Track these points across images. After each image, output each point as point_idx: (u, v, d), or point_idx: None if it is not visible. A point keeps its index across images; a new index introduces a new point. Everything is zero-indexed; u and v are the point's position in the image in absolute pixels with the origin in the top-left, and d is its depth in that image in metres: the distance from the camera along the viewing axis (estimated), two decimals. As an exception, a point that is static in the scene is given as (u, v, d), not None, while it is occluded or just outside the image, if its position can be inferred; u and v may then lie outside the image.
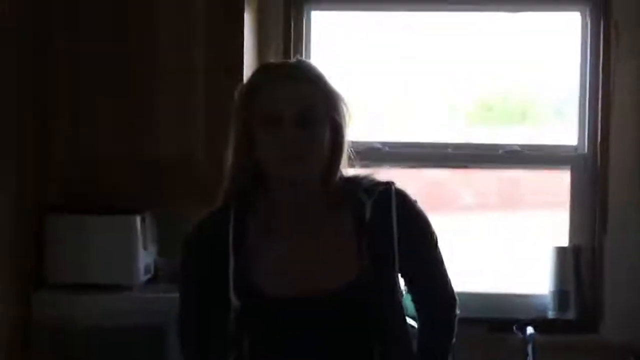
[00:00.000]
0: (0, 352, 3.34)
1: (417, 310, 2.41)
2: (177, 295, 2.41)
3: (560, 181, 4.05)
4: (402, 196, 2.31)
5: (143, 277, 3.66)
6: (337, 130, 2.27)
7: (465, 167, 4.15)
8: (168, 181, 3.60)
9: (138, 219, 3.63)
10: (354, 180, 2.32)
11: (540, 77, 4.15)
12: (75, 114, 3.59)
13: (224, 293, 2.26)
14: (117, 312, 3.52)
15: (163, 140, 3.59)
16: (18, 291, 3.48)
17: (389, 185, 2.31)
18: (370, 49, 4.09)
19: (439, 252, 2.37)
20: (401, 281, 2.36)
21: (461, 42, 4.06)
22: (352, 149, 2.32)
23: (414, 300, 2.41)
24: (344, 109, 2.29)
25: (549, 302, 3.96)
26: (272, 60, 3.53)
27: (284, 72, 2.29)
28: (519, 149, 4.02)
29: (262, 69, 2.37)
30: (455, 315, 2.40)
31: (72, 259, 3.59)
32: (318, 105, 2.23)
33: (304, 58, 3.83)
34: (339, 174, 2.30)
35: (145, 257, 3.68)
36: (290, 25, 3.95)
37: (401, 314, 2.35)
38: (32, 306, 3.53)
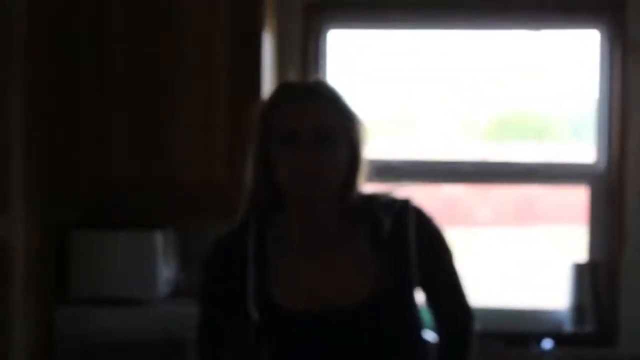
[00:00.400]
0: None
1: (436, 325, 2.42)
2: (197, 309, 2.44)
3: (577, 197, 4.06)
4: (419, 213, 2.33)
5: (164, 292, 3.68)
6: (353, 149, 2.29)
7: (482, 183, 4.16)
8: (189, 198, 3.62)
9: (159, 234, 3.65)
10: (372, 198, 2.35)
11: (558, 94, 4.16)
12: (98, 133, 3.62)
13: (243, 307, 2.28)
14: (138, 327, 3.54)
15: (184, 158, 3.61)
16: (41, 307, 3.50)
17: (406, 202, 2.34)
18: (388, 66, 4.11)
19: (456, 268, 2.38)
20: (419, 296, 2.38)
21: (479, 60, 4.08)
22: (369, 167, 2.34)
23: (432, 315, 2.42)
24: (361, 127, 2.31)
25: (567, 317, 3.97)
26: (291, 78, 3.54)
27: (302, 91, 2.31)
28: (536, 165, 4.04)
29: (280, 88, 2.38)
30: (473, 331, 2.41)
31: (94, 274, 3.62)
32: (335, 124, 2.26)
33: (321, 75, 3.90)
34: (356, 192, 2.33)
35: (166, 272, 3.70)
36: (309, 43, 3.98)
37: (418, 329, 2.36)
38: (55, 321, 3.55)
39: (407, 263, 2.29)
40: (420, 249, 2.30)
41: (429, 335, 2.42)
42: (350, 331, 2.24)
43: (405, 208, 2.32)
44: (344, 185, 2.30)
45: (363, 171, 2.33)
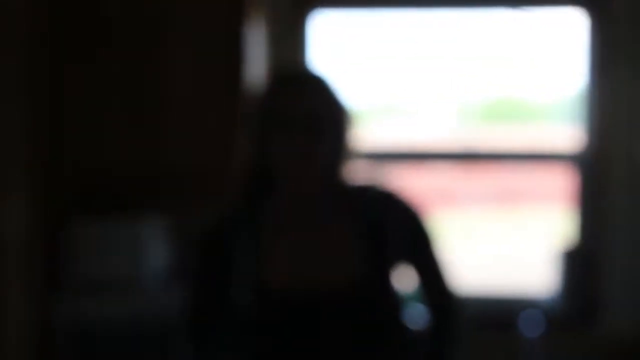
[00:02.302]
0: (19, 355, 3.37)
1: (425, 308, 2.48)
2: (189, 294, 2.47)
3: (563, 181, 4.07)
4: (404, 199, 2.40)
5: (158, 278, 3.67)
6: (343, 135, 2.35)
7: (468, 166, 4.16)
8: (182, 184, 3.63)
9: (153, 220, 3.65)
10: (359, 184, 2.41)
11: (545, 78, 4.16)
12: (93, 122, 3.63)
13: (235, 291, 2.33)
14: (133, 313, 3.54)
15: (178, 144, 3.63)
16: (34, 295, 3.49)
17: (391, 192, 2.40)
18: (378, 51, 4.11)
19: (440, 254, 2.44)
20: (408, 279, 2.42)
21: (468, 45, 4.08)
22: (358, 152, 2.39)
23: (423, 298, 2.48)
24: (350, 114, 2.37)
25: (552, 301, 3.99)
26: (283, 62, 3.54)
27: (295, 78, 2.37)
28: (523, 149, 4.04)
29: (275, 75, 2.44)
30: (456, 315, 2.47)
31: (87, 262, 3.60)
32: (325, 110, 2.32)
33: (312, 58, 3.90)
34: (345, 178, 2.39)
35: (160, 258, 3.70)
36: (298, 25, 3.97)
37: (398, 313, 2.40)
38: (48, 309, 3.54)
39: (392, 248, 2.36)
40: (405, 235, 2.37)
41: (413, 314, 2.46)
42: (338, 315, 2.30)
43: (390, 194, 2.39)
44: (332, 170, 2.36)
45: (352, 157, 2.39)
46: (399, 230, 2.36)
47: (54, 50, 3.57)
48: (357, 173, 2.42)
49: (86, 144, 3.63)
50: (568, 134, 4.09)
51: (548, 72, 4.13)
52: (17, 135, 3.32)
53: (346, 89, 2.38)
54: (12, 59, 3.27)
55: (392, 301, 2.37)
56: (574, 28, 4.01)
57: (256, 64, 3.66)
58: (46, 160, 3.55)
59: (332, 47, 4.08)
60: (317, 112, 2.30)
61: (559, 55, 4.09)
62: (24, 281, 3.39)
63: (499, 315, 3.98)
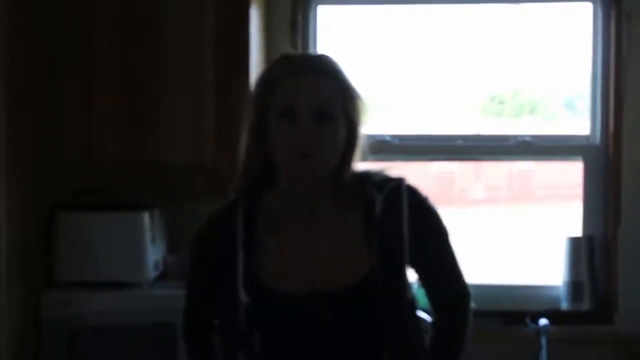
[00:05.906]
0: (10, 352, 3.32)
1: (431, 305, 2.38)
2: (185, 291, 2.42)
3: (572, 172, 4.01)
4: (412, 192, 2.29)
5: (152, 274, 3.64)
6: (352, 128, 2.24)
7: (476, 159, 4.13)
8: (176, 180, 3.58)
9: (147, 215, 3.61)
10: (365, 176, 2.29)
11: (552, 70, 4.12)
12: (86, 115, 3.58)
13: (232, 289, 2.24)
14: (126, 310, 3.50)
15: (172, 139, 3.58)
16: (27, 290, 3.46)
17: (399, 181, 2.28)
18: (380, 43, 4.06)
19: (451, 247, 2.34)
20: (413, 276, 2.33)
21: (472, 35, 4.04)
22: (365, 145, 2.29)
23: (427, 295, 2.38)
24: (361, 106, 2.26)
25: (563, 294, 3.94)
26: (286, 54, 3.50)
27: (302, 64, 2.25)
28: (530, 140, 3.99)
29: (282, 60, 2.30)
30: (469, 309, 2.38)
31: (81, 257, 3.57)
32: (335, 101, 2.20)
33: (313, 52, 3.85)
34: (350, 171, 2.28)
35: (154, 254, 3.66)
36: (298, 20, 3.92)
37: (412, 309, 2.32)
38: (41, 305, 3.51)
39: (400, 244, 2.24)
40: (414, 229, 2.25)
41: (425, 315, 2.38)
42: (342, 313, 2.21)
43: (398, 187, 2.27)
44: (338, 164, 2.24)
45: (359, 150, 2.27)
46: (409, 224, 2.24)
47: (41, 44, 3.54)
48: (363, 167, 2.31)
49: (79, 137, 3.59)
50: (577, 124, 4.03)
51: (557, 64, 4.08)
52: (6, 129, 3.26)
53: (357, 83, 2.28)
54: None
55: (403, 300, 2.27)
56: (581, 20, 3.97)
57: (253, 57, 3.60)
58: (39, 154, 3.51)
59: (333, 39, 4.02)
60: (326, 102, 2.18)
61: (567, 47, 4.04)
62: (16, 277, 3.34)
63: (510, 308, 3.91)
